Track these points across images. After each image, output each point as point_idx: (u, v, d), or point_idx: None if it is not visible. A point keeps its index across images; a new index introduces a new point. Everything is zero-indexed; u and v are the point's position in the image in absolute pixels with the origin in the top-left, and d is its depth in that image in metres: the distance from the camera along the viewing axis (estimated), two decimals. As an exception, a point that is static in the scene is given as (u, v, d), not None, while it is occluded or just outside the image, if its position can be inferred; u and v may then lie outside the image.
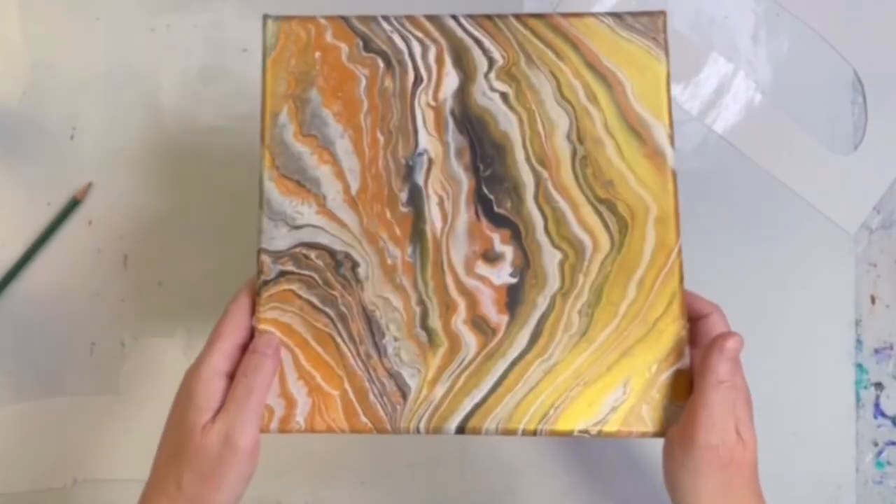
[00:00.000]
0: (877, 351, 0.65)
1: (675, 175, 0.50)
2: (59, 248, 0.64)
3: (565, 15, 0.50)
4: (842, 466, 0.64)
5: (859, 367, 0.65)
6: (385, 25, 0.50)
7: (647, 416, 0.48)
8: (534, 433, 0.48)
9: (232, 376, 0.47)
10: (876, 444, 0.65)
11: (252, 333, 0.49)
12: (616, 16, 0.50)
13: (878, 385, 0.65)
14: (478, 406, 0.48)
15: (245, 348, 0.48)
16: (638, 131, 0.50)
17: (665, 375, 0.49)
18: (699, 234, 0.65)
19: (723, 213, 0.65)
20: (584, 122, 0.50)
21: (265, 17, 0.51)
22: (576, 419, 0.48)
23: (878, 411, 0.65)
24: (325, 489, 0.64)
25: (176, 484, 0.45)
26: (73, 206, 0.64)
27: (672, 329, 0.49)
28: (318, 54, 0.50)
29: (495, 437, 0.63)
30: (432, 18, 0.50)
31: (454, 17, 0.51)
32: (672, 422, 0.47)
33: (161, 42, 0.65)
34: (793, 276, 0.65)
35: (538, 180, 0.50)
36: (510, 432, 0.48)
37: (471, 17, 0.50)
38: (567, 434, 0.48)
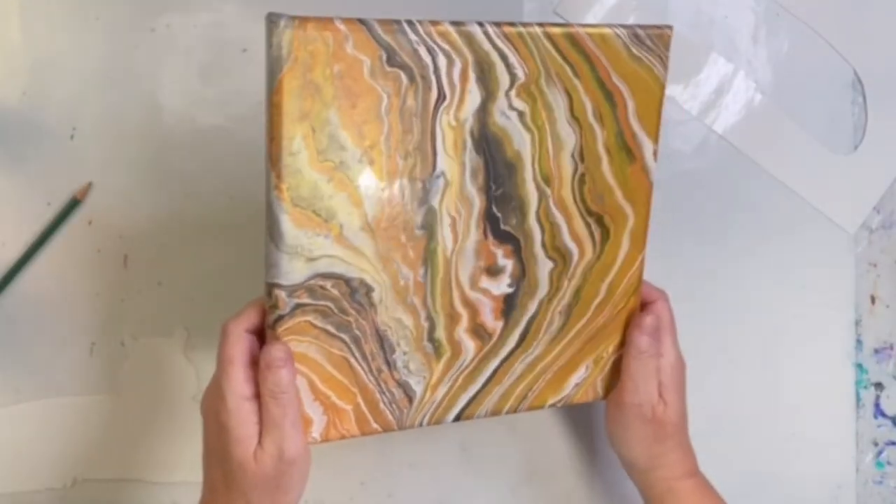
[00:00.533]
0: (877, 351, 0.65)
1: (652, 187, 0.52)
2: (59, 248, 0.64)
3: (584, 26, 0.49)
4: (842, 466, 0.64)
5: (859, 367, 0.65)
6: (411, 35, 0.45)
7: (600, 386, 0.56)
8: (514, 411, 0.55)
9: (255, 396, 0.47)
10: (876, 444, 0.65)
11: (259, 346, 0.48)
12: (630, 30, 0.50)
13: (878, 385, 0.65)
14: (472, 399, 0.53)
15: (256, 364, 0.47)
16: (630, 148, 0.51)
17: (616, 356, 0.56)
18: (699, 234, 0.65)
19: (723, 213, 0.65)
20: (588, 140, 0.50)
21: (272, 20, 0.42)
22: (547, 397, 0.55)
23: (878, 411, 0.65)
24: (325, 489, 0.64)
25: (246, 503, 0.47)
26: (73, 206, 0.64)
27: (627, 321, 0.55)
28: (337, 68, 0.43)
29: (496, 438, 0.63)
30: (459, 27, 0.46)
31: (481, 25, 0.46)
32: (614, 384, 0.56)
33: (161, 42, 0.65)
34: (793, 276, 0.65)
35: (542, 197, 0.50)
36: (496, 414, 0.54)
37: (497, 25, 0.47)
38: (539, 408, 0.55)
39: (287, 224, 0.45)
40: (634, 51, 0.50)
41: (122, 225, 0.64)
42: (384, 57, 0.44)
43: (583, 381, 0.56)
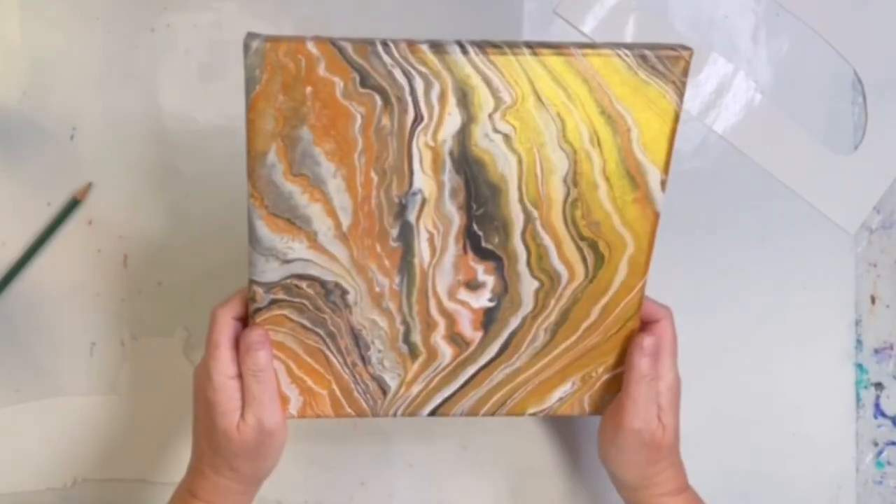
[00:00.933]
0: (877, 351, 0.65)
1: (658, 217, 0.49)
2: (59, 248, 0.64)
3: (582, 46, 0.45)
4: (842, 466, 0.64)
5: (859, 367, 0.65)
6: (385, 58, 0.44)
7: (587, 403, 0.55)
8: (492, 414, 0.55)
9: (239, 375, 0.51)
10: (876, 444, 0.65)
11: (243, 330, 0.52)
12: (639, 54, 0.45)
13: (879, 385, 0.65)
14: (447, 399, 0.54)
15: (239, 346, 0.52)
16: (633, 176, 0.48)
17: (608, 376, 0.55)
18: (699, 234, 0.65)
19: (723, 213, 0.65)
20: (582, 165, 0.48)
21: (247, 41, 0.43)
22: (528, 406, 0.55)
23: (879, 411, 0.65)
24: (325, 489, 0.64)
25: (229, 468, 0.52)
26: (73, 206, 0.64)
27: (623, 343, 0.54)
28: (309, 89, 0.45)
29: (496, 438, 0.63)
30: (436, 48, 0.44)
31: (461, 46, 0.45)
32: (606, 405, 0.55)
33: (161, 42, 0.65)
34: (793, 276, 0.65)
35: (528, 219, 0.49)
36: (473, 414, 0.54)
37: (479, 45, 0.44)
38: (519, 415, 0.55)
39: (263, 229, 0.48)
40: (642, 75, 0.46)
41: (122, 225, 0.64)
42: (357, 79, 0.45)
43: (568, 395, 0.55)
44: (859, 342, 0.65)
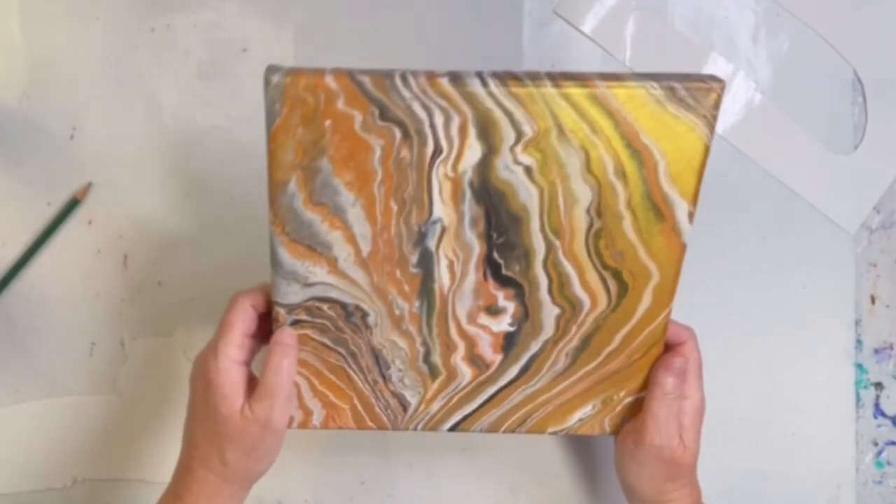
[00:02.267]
0: (877, 351, 0.65)
1: (684, 248, 0.49)
2: (59, 248, 0.64)
3: (608, 78, 0.44)
4: (842, 466, 0.64)
5: (859, 366, 0.65)
6: (404, 92, 0.44)
7: (608, 424, 0.55)
8: (513, 432, 0.55)
9: (245, 363, 0.51)
10: (876, 444, 0.65)
11: (258, 322, 0.52)
12: (668, 87, 0.44)
13: (878, 385, 0.65)
14: (466, 416, 0.54)
15: (252, 336, 0.52)
16: (660, 208, 0.47)
17: (630, 399, 0.55)
18: (699, 234, 0.65)
19: (723, 213, 0.65)
20: (607, 197, 0.47)
21: (268, 75, 0.44)
22: (548, 425, 0.55)
23: (878, 411, 0.65)
24: (325, 489, 0.64)
25: (220, 460, 0.51)
26: (73, 206, 0.64)
27: (646, 368, 0.53)
28: (328, 122, 0.45)
29: (496, 439, 0.63)
30: (456, 80, 0.44)
31: (480, 78, 0.44)
32: (625, 424, 0.55)
33: (161, 42, 0.65)
34: (793, 276, 0.65)
35: (549, 248, 0.49)
36: (493, 431, 0.55)
37: (499, 77, 0.44)
38: (539, 433, 0.55)
39: (284, 255, 0.49)
40: (671, 109, 0.45)
41: (122, 225, 0.64)
42: (376, 113, 0.45)
43: (588, 417, 0.55)
44: (859, 342, 0.65)
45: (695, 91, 0.44)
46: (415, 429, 0.55)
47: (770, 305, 0.65)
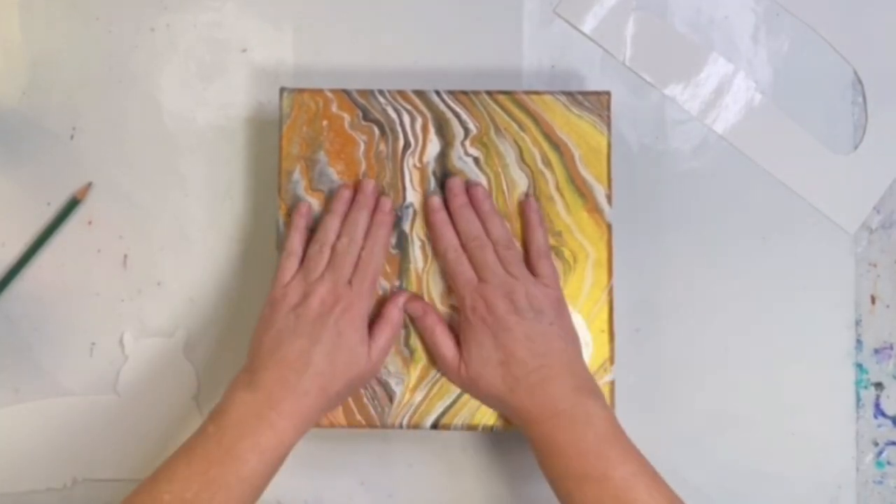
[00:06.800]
0: (877, 351, 0.65)
1: (610, 227, 0.59)
2: (59, 248, 0.64)
3: (528, 92, 0.60)
4: (842, 466, 0.64)
5: (859, 366, 0.65)
6: (381, 99, 0.59)
7: None
8: (491, 429, 0.58)
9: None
10: (876, 444, 0.65)
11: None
12: (569, 94, 0.59)
13: (879, 385, 0.65)
14: (448, 408, 0.58)
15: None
16: (582, 191, 0.59)
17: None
18: (699, 234, 0.65)
19: (722, 213, 0.65)
20: (539, 183, 0.59)
21: (281, 90, 0.59)
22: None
23: (879, 411, 0.65)
24: (325, 489, 0.64)
25: (330, 393, 0.54)
26: (73, 206, 0.64)
27: (602, 348, 0.59)
28: (325, 122, 0.59)
29: (496, 438, 0.63)
30: (419, 93, 0.59)
31: (437, 93, 0.59)
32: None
33: (161, 42, 0.65)
34: (793, 276, 0.65)
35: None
36: (472, 428, 0.58)
37: (450, 92, 0.59)
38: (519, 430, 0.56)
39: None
40: (575, 110, 0.60)
41: (122, 225, 0.64)
42: (360, 115, 0.60)
43: None
44: (859, 342, 0.65)
45: (589, 96, 0.60)
46: (400, 425, 0.58)
47: (770, 305, 0.65)
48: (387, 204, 0.58)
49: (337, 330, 0.54)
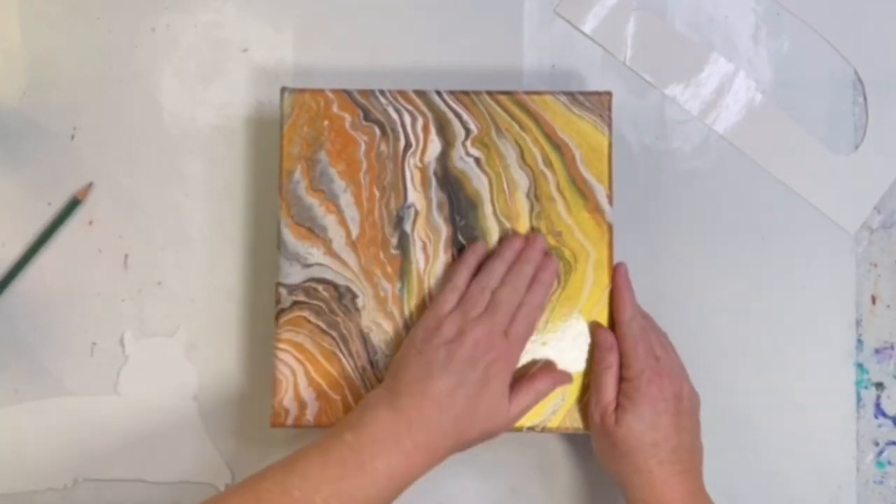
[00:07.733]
0: (877, 351, 0.65)
1: (611, 228, 0.59)
2: (59, 248, 0.64)
3: (528, 93, 0.59)
4: (842, 466, 0.64)
5: (860, 366, 0.65)
6: (382, 99, 0.59)
7: (580, 415, 0.58)
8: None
9: None
10: (876, 444, 0.65)
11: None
12: (570, 95, 0.59)
13: (879, 385, 0.65)
14: None
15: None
16: (583, 191, 0.59)
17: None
18: (700, 234, 0.65)
19: (723, 213, 0.65)
20: (540, 183, 0.59)
21: (282, 90, 0.59)
22: (524, 420, 0.57)
23: (879, 411, 0.65)
24: (326, 489, 0.64)
25: (459, 436, 0.53)
26: (73, 206, 0.64)
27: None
28: (326, 122, 0.59)
29: (496, 438, 0.63)
30: (420, 93, 0.59)
31: (438, 93, 0.59)
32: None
33: (161, 42, 0.65)
34: (793, 276, 0.65)
35: (503, 231, 0.59)
36: None
37: (451, 92, 0.59)
38: (517, 430, 0.57)
39: (288, 236, 0.58)
40: (575, 111, 0.59)
41: (122, 225, 0.64)
42: (361, 115, 0.59)
43: (560, 408, 0.58)
44: (860, 342, 0.65)
45: (590, 96, 0.59)
46: None
47: (770, 305, 0.65)
48: (553, 264, 0.57)
49: (486, 377, 0.53)
